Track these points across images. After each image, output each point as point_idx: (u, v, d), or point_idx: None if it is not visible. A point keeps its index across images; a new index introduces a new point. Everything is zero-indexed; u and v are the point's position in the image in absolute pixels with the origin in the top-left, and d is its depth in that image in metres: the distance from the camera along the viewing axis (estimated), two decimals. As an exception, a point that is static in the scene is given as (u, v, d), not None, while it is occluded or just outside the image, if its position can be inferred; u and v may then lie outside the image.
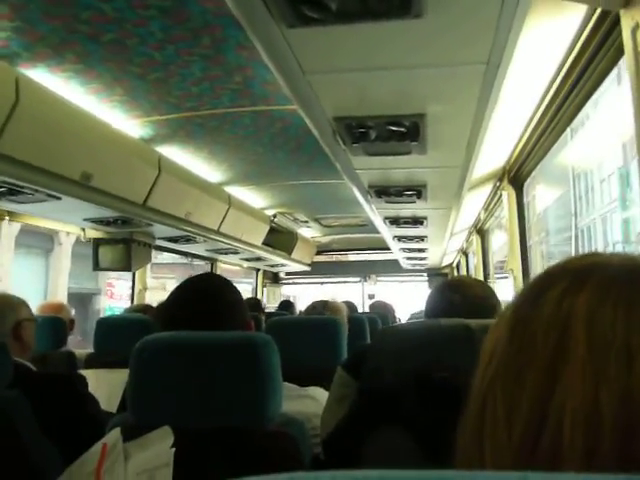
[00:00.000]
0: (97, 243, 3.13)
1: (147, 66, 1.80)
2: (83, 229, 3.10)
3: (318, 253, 6.18)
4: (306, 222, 4.64)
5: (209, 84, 1.97)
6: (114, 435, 0.99)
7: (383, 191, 2.31)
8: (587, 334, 0.31)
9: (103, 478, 0.94)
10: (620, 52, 1.02)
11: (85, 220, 2.80)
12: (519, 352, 0.33)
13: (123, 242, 3.07)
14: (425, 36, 1.02)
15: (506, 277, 2.71)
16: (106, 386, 1.95)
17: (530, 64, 1.43)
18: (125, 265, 3.09)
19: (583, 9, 1.17)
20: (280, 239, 4.76)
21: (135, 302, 3.46)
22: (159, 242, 3.44)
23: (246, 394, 0.97)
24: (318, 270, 6.30)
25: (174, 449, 0.93)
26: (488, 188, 2.93)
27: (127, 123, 2.30)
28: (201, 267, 4.72)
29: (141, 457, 0.96)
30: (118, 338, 2.16)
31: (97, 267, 3.18)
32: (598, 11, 1.12)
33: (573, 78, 1.41)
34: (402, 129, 1.52)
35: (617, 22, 0.97)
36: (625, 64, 0.94)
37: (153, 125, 2.37)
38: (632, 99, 0.89)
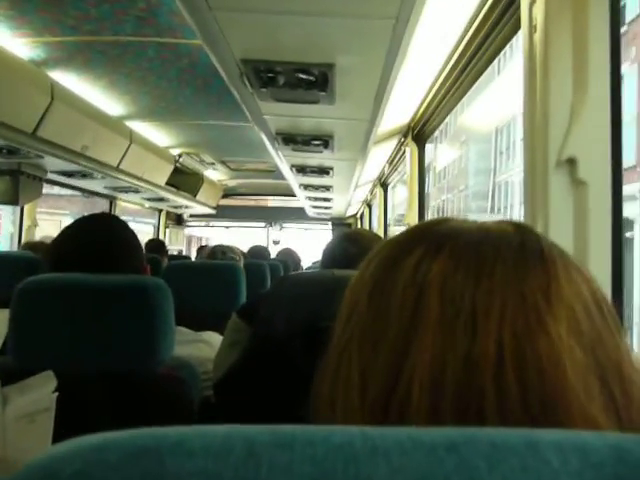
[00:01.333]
0: (-22, 173, 2.87)
1: (38, -20, 1.62)
2: (-38, 157, 2.82)
3: (224, 197, 6.07)
4: (212, 164, 4.52)
5: (110, 7, 1.81)
6: (-9, 379, 0.95)
7: (290, 139, 2.29)
8: (439, 301, 0.32)
9: (-22, 423, 0.90)
10: (519, 23, 1.06)
11: (-36, 147, 2.54)
12: (375, 319, 0.34)
13: (10, 173, 2.83)
14: (336, -15, 1.00)
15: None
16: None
17: (437, 25, 1.45)
18: (12, 198, 2.86)
19: (490, -24, 1.20)
20: (185, 180, 4.61)
21: (23, 240, 3.24)
22: (52, 176, 3.21)
23: (135, 339, 0.96)
24: (224, 214, 6.22)
25: (57, 394, 0.90)
26: (393, 143, 3.00)
27: (13, 42, 2.08)
28: (104, 202, 4.47)
29: (21, 401, 0.92)
30: (1, 276, 2.03)
31: (-22, 199, 2.92)
32: (503, -20, 1.16)
33: (477, 42, 1.45)
34: (311, 77, 1.50)
35: (518, -7, 1.01)
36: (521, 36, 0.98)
37: (45, 47, 2.16)
38: (523, 71, 0.94)
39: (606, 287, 0.83)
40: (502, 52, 1.42)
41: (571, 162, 0.84)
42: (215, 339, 1.51)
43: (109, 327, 0.96)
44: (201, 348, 1.44)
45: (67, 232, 1.15)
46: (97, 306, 0.97)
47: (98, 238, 1.11)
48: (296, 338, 0.91)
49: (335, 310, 0.99)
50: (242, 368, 1.01)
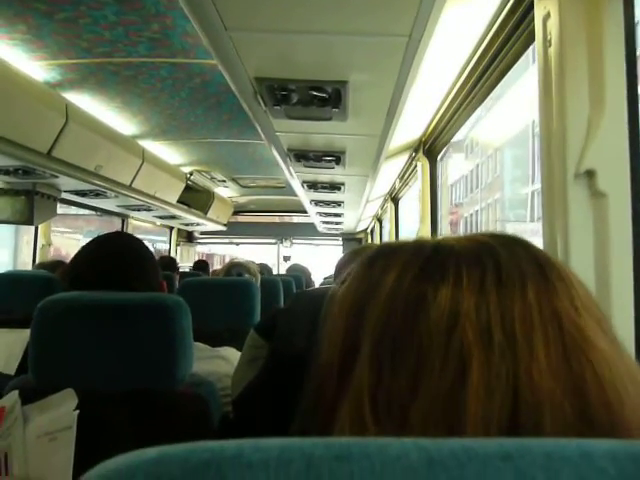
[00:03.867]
0: (-5, 193, 2.90)
1: (54, 3, 1.66)
2: (-22, 177, 2.86)
3: (235, 213, 6.10)
4: (223, 181, 4.55)
5: (123, 30, 1.85)
6: (11, 398, 0.95)
7: (302, 155, 2.31)
8: (476, 332, 0.33)
9: None
10: (532, 37, 1.07)
11: (-20, 168, 2.58)
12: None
13: (25, 194, 2.87)
14: (351, 5, 1.02)
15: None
16: (3, 346, 1.84)
17: (450, 41, 1.47)
18: (27, 218, 2.89)
19: (502, -8, 1.21)
20: (196, 197, 4.65)
21: (37, 259, 3.27)
22: (66, 195, 3.25)
23: (155, 357, 0.96)
24: (234, 230, 6.24)
25: (77, 412, 0.91)
26: (404, 158, 3.01)
27: (30, 65, 2.12)
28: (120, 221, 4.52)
29: (41, 420, 0.93)
30: (18, 295, 2.04)
31: (-5, 219, 2.95)
32: (515, -5, 1.17)
33: (488, 58, 1.46)
34: (324, 95, 1.52)
35: (531, 9, 1.02)
36: (535, 49, 0.99)
37: (60, 69, 2.20)
38: (538, 84, 0.95)
39: (629, 299, 0.82)
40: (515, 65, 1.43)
41: (590, 174, 0.84)
42: (232, 355, 1.51)
43: (129, 345, 0.97)
44: (219, 364, 1.44)
45: (85, 251, 1.16)
46: (117, 324, 0.98)
47: (115, 256, 1.12)
48: (316, 353, 0.91)
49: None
50: (261, 384, 1.00)
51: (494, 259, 0.35)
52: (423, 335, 0.33)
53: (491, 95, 1.60)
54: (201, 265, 4.91)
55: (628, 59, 0.87)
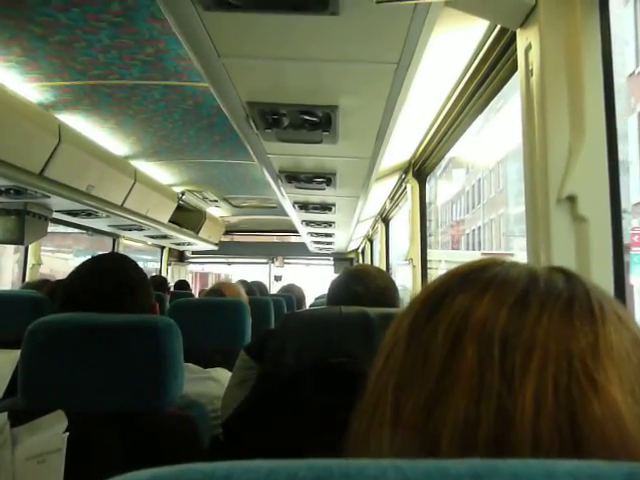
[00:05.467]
0: (-15, 213, 2.90)
1: (49, 26, 1.68)
2: (-31, 197, 2.86)
3: (226, 233, 6.11)
4: (215, 201, 4.57)
5: (117, 53, 1.88)
6: (0, 419, 0.95)
7: (293, 177, 2.33)
8: (476, 349, 0.32)
9: (-13, 464, 0.90)
10: (515, 67, 1.10)
11: (-29, 188, 2.58)
12: (413, 364, 0.34)
13: (16, 213, 2.87)
14: (340, 33, 1.05)
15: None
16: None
17: (437, 68, 1.51)
18: (18, 238, 2.88)
19: (486, 23, 1.25)
20: (188, 217, 4.66)
21: (27, 279, 3.25)
22: (57, 215, 3.25)
23: (146, 379, 0.97)
24: (226, 250, 6.24)
25: (67, 434, 0.91)
26: (394, 180, 3.05)
27: (24, 86, 2.14)
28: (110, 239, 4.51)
29: (30, 442, 0.93)
30: (5, 316, 2.03)
31: (-15, 238, 2.94)
32: (498, 27, 1.21)
33: (475, 84, 1.50)
34: (315, 119, 1.55)
35: (514, 40, 1.05)
36: (518, 79, 1.03)
37: (54, 91, 2.22)
38: (521, 112, 0.98)
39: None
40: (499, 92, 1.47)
41: (571, 199, 0.87)
42: (223, 376, 1.51)
43: (120, 367, 0.97)
44: (210, 385, 1.44)
45: (77, 272, 1.17)
46: (108, 346, 0.98)
47: (107, 278, 1.13)
48: (306, 374, 0.91)
49: (345, 346, 0.99)
50: (251, 405, 1.01)
51: (530, 281, 0.35)
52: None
53: (491, 106, 1.61)
54: (182, 285, 4.95)
55: (606, 87, 0.90)
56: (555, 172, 0.87)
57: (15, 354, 1.67)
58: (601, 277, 0.85)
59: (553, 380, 0.30)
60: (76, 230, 3.81)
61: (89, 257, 1.23)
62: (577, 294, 0.34)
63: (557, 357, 0.31)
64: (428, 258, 2.70)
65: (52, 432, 0.92)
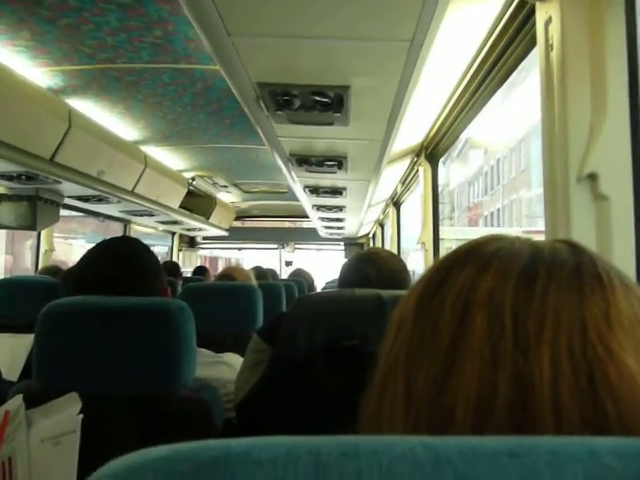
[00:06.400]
0: (-2, 199, 2.92)
1: (57, 10, 1.67)
2: (-18, 183, 2.87)
3: (237, 218, 6.12)
4: (225, 187, 4.56)
5: (126, 36, 1.86)
6: (15, 402, 0.95)
7: (304, 160, 2.31)
8: (486, 319, 0.32)
9: (3, 446, 0.90)
10: (534, 42, 1.07)
11: (-16, 174, 2.59)
12: (422, 337, 0.34)
13: (28, 199, 2.88)
14: (353, 10, 1.02)
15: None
16: (6, 352, 1.84)
17: (451, 46, 1.47)
18: (30, 224, 2.90)
19: (503, -3, 1.22)
20: (198, 203, 4.66)
21: (40, 264, 3.27)
22: (68, 201, 3.26)
23: (159, 361, 0.97)
24: (236, 235, 6.25)
25: (81, 416, 0.91)
26: (406, 163, 3.02)
27: (34, 71, 2.13)
28: (117, 224, 4.52)
29: (45, 424, 0.93)
30: (20, 301, 2.05)
31: (-2, 225, 2.97)
32: (516, 0, 1.18)
33: (490, 62, 1.47)
34: (326, 100, 1.52)
35: (533, 13, 1.02)
36: (537, 54, 1.00)
37: (63, 75, 2.21)
38: (540, 88, 0.95)
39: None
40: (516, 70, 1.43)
41: (592, 178, 0.84)
42: (235, 360, 1.51)
43: (132, 349, 0.97)
44: (221, 370, 1.44)
45: (89, 256, 1.16)
46: (120, 329, 0.98)
47: (120, 262, 1.12)
48: (319, 357, 0.91)
49: (358, 328, 0.98)
50: (264, 388, 1.00)
51: (533, 255, 0.35)
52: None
53: (512, 80, 1.55)
54: (201, 271, 4.92)
55: (630, 63, 0.87)
56: (575, 150, 0.85)
57: (29, 338, 1.68)
58: (622, 257, 0.83)
59: (567, 347, 0.30)
60: (80, 214, 3.81)
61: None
62: (583, 262, 0.34)
63: (570, 325, 0.31)
64: (443, 237, 2.67)
65: (66, 414, 0.92)
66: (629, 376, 0.30)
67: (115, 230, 4.56)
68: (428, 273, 0.38)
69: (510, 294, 0.32)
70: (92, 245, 1.19)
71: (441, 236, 2.70)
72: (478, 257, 0.36)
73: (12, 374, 1.75)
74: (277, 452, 0.20)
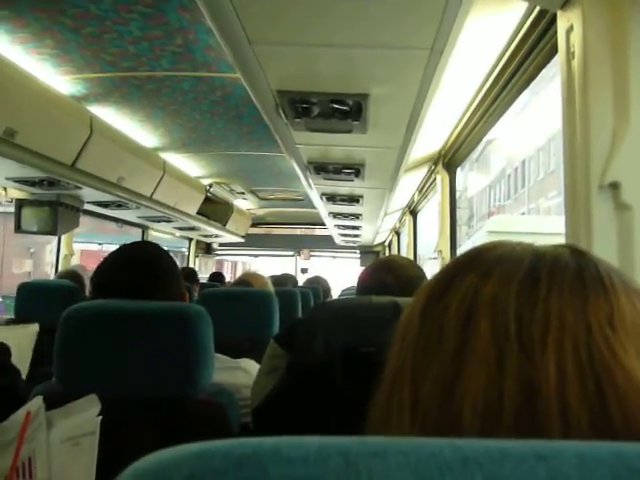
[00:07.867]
0: (20, 204, 2.97)
1: (81, 19, 1.70)
2: (5, 188, 2.92)
3: (253, 225, 6.14)
4: (242, 194, 4.59)
5: (148, 44, 1.89)
6: (36, 403, 0.96)
7: (322, 167, 2.32)
8: (490, 325, 0.32)
9: (23, 446, 0.92)
10: (554, 50, 1.07)
11: (7, 179, 2.64)
12: (427, 344, 0.34)
13: (49, 204, 2.93)
14: (373, 18, 1.03)
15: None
16: (13, 342, 1.87)
17: (471, 54, 1.47)
18: (51, 229, 2.94)
19: (524, 5, 1.22)
20: (215, 209, 4.69)
21: (60, 268, 3.32)
22: (88, 206, 3.31)
23: (177, 366, 0.97)
24: (252, 242, 6.28)
25: (100, 417, 0.92)
26: (423, 171, 3.01)
27: (57, 79, 2.18)
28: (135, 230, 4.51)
29: (65, 425, 0.94)
30: (41, 305, 2.08)
31: (19, 229, 3.02)
32: (537, 9, 1.17)
33: (510, 70, 1.46)
34: (345, 108, 1.53)
35: (554, 21, 1.02)
36: (558, 62, 0.99)
37: (85, 83, 2.25)
38: (562, 96, 0.95)
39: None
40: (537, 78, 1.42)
41: (614, 186, 0.84)
42: (251, 366, 1.51)
43: (151, 353, 0.98)
44: (238, 375, 1.45)
45: (109, 260, 1.18)
46: (139, 333, 0.99)
47: (139, 266, 1.14)
48: (336, 363, 0.91)
49: (375, 335, 0.98)
50: (281, 394, 1.01)
51: (535, 259, 0.35)
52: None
53: (541, 76, 1.50)
54: (217, 277, 4.95)
55: (653, 71, 0.86)
56: (597, 158, 0.84)
57: (33, 328, 1.71)
58: (645, 267, 0.82)
59: (573, 352, 0.30)
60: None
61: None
62: (585, 266, 0.34)
63: (575, 329, 0.31)
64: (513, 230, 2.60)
65: (86, 416, 0.93)
66: (636, 380, 0.30)
67: (112, 224, 4.42)
68: (433, 280, 0.39)
69: (513, 299, 0.33)
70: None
71: (509, 229, 2.63)
72: (481, 263, 0.36)
73: (20, 363, 1.77)
74: (307, 450, 0.20)
